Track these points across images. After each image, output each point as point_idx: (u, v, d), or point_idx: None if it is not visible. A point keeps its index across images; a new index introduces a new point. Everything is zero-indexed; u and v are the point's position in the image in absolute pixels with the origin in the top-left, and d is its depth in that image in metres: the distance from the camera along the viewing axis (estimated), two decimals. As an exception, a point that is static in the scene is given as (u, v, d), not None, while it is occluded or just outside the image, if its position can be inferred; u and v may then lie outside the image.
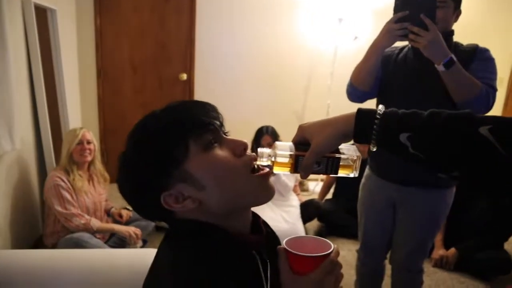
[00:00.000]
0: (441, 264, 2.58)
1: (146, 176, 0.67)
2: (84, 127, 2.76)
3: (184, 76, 3.73)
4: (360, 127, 0.66)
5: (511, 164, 0.56)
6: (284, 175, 2.74)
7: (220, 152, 0.68)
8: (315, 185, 3.86)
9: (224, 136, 0.70)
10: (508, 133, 0.58)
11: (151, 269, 0.70)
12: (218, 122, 0.69)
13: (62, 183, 2.25)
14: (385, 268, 1.84)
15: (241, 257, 0.67)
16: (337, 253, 0.67)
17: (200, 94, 3.80)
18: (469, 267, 2.52)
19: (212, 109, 0.71)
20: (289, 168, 0.70)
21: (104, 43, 3.60)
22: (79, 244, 2.16)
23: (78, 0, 3.43)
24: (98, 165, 2.46)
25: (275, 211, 2.77)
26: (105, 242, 2.40)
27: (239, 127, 3.71)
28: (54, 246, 2.27)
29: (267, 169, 0.70)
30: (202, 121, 0.67)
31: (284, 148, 0.70)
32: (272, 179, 2.41)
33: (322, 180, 3.59)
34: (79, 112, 3.55)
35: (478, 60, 1.43)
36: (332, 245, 0.67)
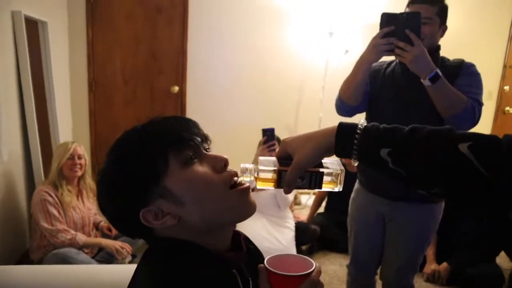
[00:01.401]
0: (433, 278, 2.56)
1: (125, 191, 0.66)
2: (75, 140, 2.74)
3: (176, 89, 3.73)
4: (341, 141, 0.65)
5: (490, 182, 0.55)
6: None
7: (200, 168, 0.67)
8: (308, 198, 3.84)
9: (205, 152, 0.69)
10: (487, 150, 0.57)
11: None
12: (199, 138, 0.68)
13: (49, 198, 2.21)
14: (376, 283, 1.82)
15: (221, 277, 0.66)
16: (319, 272, 0.65)
17: (192, 106, 3.80)
18: (461, 281, 2.51)
19: (193, 125, 0.70)
20: (272, 184, 0.69)
21: (96, 54, 3.60)
22: (66, 260, 2.12)
23: (70, 12, 3.44)
24: (88, 179, 2.42)
25: (270, 230, 2.68)
26: (93, 257, 2.36)
27: (230, 141, 3.70)
28: (40, 260, 2.22)
29: (247, 184, 0.69)
30: (183, 136, 0.66)
31: (267, 163, 0.69)
32: (273, 191, 2.36)
33: (314, 193, 3.58)
34: (70, 125, 3.53)
35: (463, 75, 1.45)
36: (314, 263, 0.66)
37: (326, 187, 0.69)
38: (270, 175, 0.68)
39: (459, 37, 3.52)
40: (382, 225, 1.65)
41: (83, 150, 2.39)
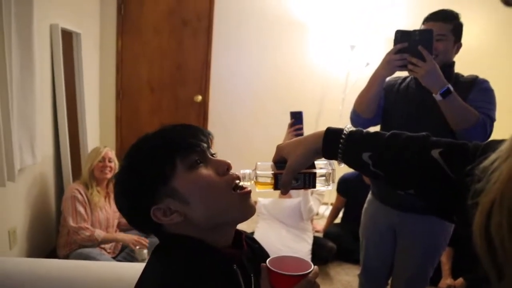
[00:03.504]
0: (448, 294, 2.54)
1: (138, 192, 0.74)
2: (102, 146, 2.88)
3: (199, 98, 3.85)
4: (327, 145, 0.71)
5: (458, 185, 0.60)
6: (312, 200, 2.76)
7: (205, 171, 0.74)
8: (325, 209, 3.86)
9: (210, 157, 0.77)
10: (456, 156, 0.63)
11: (139, 280, 0.76)
12: (205, 144, 0.76)
13: (79, 196, 2.36)
14: (387, 294, 1.84)
15: (222, 271, 0.72)
16: (316, 274, 0.70)
17: (214, 115, 3.91)
18: (478, 298, 2.48)
19: (200, 132, 0.78)
20: (271, 186, 0.75)
21: (124, 64, 3.77)
22: (88, 259, 2.23)
23: (102, 24, 3.63)
24: None
25: (286, 242, 2.68)
26: (114, 257, 2.46)
27: (250, 149, 3.76)
28: (66, 257, 2.34)
29: (248, 189, 0.76)
30: (190, 142, 0.74)
31: (265, 168, 0.76)
32: (296, 200, 2.39)
33: (331, 204, 3.60)
34: (98, 130, 3.69)
35: (476, 90, 1.48)
36: (312, 265, 0.71)
37: (319, 186, 0.76)
38: (267, 179, 0.75)
39: (483, 53, 3.50)
40: (393, 235, 1.67)
41: (114, 154, 2.54)
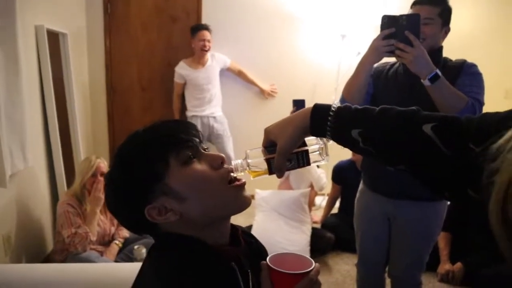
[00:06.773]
0: (447, 279, 2.54)
1: (131, 190, 0.71)
2: (95, 144, 2.82)
3: (191, 94, 3.82)
4: (315, 122, 0.68)
5: (451, 161, 0.58)
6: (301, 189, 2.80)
7: (199, 166, 0.72)
8: (322, 199, 3.87)
9: (203, 151, 0.75)
10: (448, 130, 0.60)
11: (136, 281, 0.74)
12: (197, 139, 0.74)
13: (72, 209, 2.25)
14: (385, 281, 1.84)
15: (220, 269, 0.70)
16: (317, 272, 0.68)
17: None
18: (476, 282, 2.48)
19: (192, 127, 0.76)
20: (265, 172, 0.73)
21: (114, 63, 3.73)
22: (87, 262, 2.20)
23: (89, 23, 3.59)
24: None
25: (285, 235, 2.68)
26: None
27: (243, 143, 3.74)
28: (62, 262, 2.31)
29: (243, 180, 0.74)
30: (182, 138, 0.72)
31: (255, 155, 0.74)
32: (296, 192, 2.43)
33: (328, 194, 3.60)
34: (90, 130, 3.66)
35: (464, 74, 1.47)
36: (313, 263, 0.69)
37: (314, 163, 0.74)
38: (260, 166, 0.73)
39: (477, 36, 3.49)
40: (387, 223, 1.67)
41: (107, 165, 2.40)
